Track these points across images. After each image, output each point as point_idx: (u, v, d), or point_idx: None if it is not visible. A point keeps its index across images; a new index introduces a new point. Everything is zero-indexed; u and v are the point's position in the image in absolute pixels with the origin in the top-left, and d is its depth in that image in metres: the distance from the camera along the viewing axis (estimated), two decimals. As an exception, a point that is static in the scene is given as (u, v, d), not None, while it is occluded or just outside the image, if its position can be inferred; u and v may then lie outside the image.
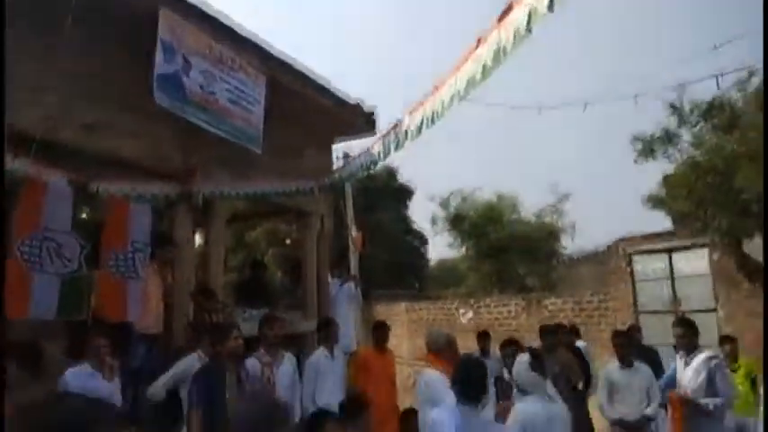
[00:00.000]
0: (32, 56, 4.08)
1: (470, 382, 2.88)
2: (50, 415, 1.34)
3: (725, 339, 6.08)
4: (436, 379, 3.78)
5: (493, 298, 14.34)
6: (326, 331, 5.41)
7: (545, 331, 6.07)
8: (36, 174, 3.94)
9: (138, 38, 4.36)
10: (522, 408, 3.24)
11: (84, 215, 4.36)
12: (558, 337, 6.00)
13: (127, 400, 4.67)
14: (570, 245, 17.18)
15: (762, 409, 5.08)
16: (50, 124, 4.09)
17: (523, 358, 3.40)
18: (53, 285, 4.04)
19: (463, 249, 17.81)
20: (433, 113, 3.53)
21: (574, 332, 7.49)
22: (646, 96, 4.62)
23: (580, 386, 5.53)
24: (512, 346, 5.36)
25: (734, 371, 5.49)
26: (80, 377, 3.56)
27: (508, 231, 16.30)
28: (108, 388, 3.67)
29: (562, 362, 5.22)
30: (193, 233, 6.69)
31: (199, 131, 5.03)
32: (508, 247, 16.23)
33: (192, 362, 4.19)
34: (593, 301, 12.20)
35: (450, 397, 3.58)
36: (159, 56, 4.31)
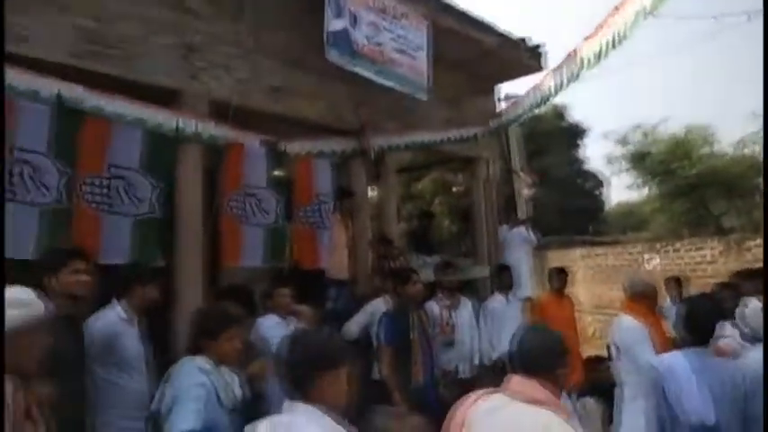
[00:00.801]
0: (224, 29, 4.53)
1: (698, 322, 2.66)
2: (324, 339, 1.82)
3: None
4: (634, 326, 3.56)
5: (683, 242, 12.95)
6: (501, 277, 5.41)
7: (746, 276, 5.37)
8: (234, 137, 4.43)
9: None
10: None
11: (275, 173, 4.81)
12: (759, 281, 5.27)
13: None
14: (777, 179, 14.71)
15: None
16: (242, 90, 4.54)
17: (754, 303, 3.02)
18: (258, 236, 4.58)
19: (646, 190, 16.26)
20: (614, 36, 3.20)
21: None
22: None
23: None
24: (728, 290, 4.79)
25: None
26: (270, 326, 3.78)
27: (700, 167, 14.45)
28: None
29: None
30: (367, 186, 7.06)
31: (368, 87, 5.21)
32: (700, 185, 14.42)
33: (378, 305, 4.50)
34: (811, 242, 10.39)
35: (647, 346, 3.36)
36: (328, 13, 4.51)
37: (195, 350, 2.52)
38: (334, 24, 4.62)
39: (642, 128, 16.00)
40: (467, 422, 1.90)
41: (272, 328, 3.75)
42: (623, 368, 3.65)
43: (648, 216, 17.29)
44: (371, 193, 7.75)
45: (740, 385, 2.56)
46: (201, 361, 2.47)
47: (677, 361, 2.68)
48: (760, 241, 11.30)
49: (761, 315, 2.89)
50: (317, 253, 4.93)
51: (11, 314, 1.74)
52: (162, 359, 3.30)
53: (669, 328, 5.66)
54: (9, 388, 1.68)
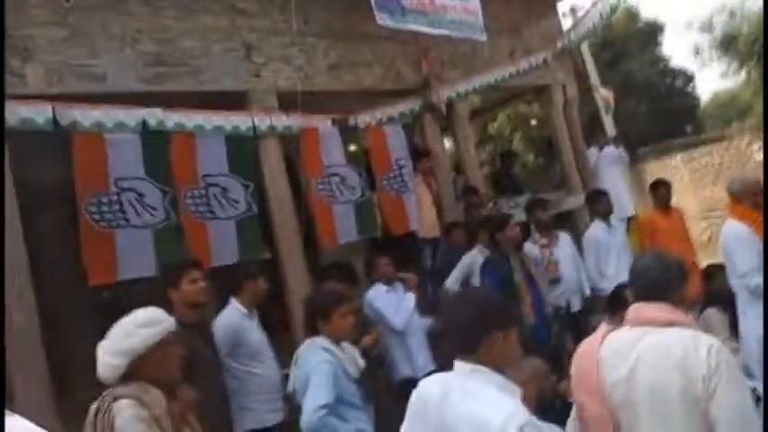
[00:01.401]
0: (275, 20, 4.62)
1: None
2: (495, 298, 1.80)
3: None
4: (733, 232, 3.41)
5: (796, 122, 11.69)
6: (597, 203, 5.20)
7: None
8: (306, 123, 4.56)
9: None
10: None
11: (352, 147, 4.91)
12: None
13: (428, 295, 5.34)
14: None
15: None
16: (304, 76, 4.64)
17: None
18: (349, 212, 4.74)
19: (742, 74, 14.75)
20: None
21: None
22: None
23: None
24: None
25: None
26: (380, 296, 3.96)
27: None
28: (410, 299, 4.00)
29: None
30: (443, 139, 7.00)
31: (423, 41, 5.11)
32: (805, 56, 12.85)
33: (475, 256, 4.53)
34: None
35: (746, 251, 3.18)
36: (369, -24, 4.44)
37: (314, 332, 2.72)
38: (378, -13, 4.54)
39: (728, 8, 14.43)
40: (602, 361, 1.86)
41: (381, 298, 3.93)
42: (730, 275, 3.53)
43: (749, 101, 15.71)
44: (448, 145, 7.69)
45: None
46: (322, 341, 2.67)
47: None
48: None
49: None
50: (405, 217, 5.03)
51: (148, 333, 1.94)
52: (282, 341, 3.59)
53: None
54: (162, 401, 1.90)
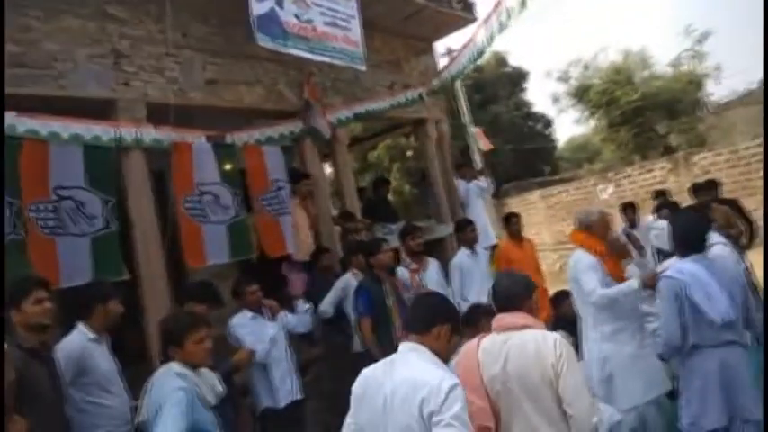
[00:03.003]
0: (150, 29, 4.41)
1: (693, 233, 2.96)
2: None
3: None
4: (578, 258, 3.72)
5: (634, 167, 13.42)
6: (464, 232, 5.52)
7: (696, 189, 5.93)
8: (179, 137, 4.37)
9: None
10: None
11: (228, 166, 4.77)
12: (714, 192, 5.72)
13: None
14: (717, 90, 15.34)
15: None
16: (178, 89, 4.46)
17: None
18: (220, 232, 4.56)
19: (592, 122, 16.70)
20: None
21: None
22: None
23: (743, 241, 5.14)
24: (666, 209, 5.04)
25: None
26: (243, 323, 3.84)
27: (641, 91, 14.87)
28: (273, 327, 3.93)
29: (718, 217, 4.86)
30: (322, 163, 7.04)
31: (307, 64, 5.15)
32: (644, 108, 14.88)
33: (348, 279, 4.57)
34: (749, 147, 10.90)
35: (592, 275, 3.54)
36: (251, -4, 4.41)
37: (168, 357, 2.56)
38: (259, 7, 4.53)
39: (581, 61, 16.33)
40: (481, 362, 2.29)
41: (244, 326, 3.82)
42: (576, 300, 3.85)
43: (598, 147, 17.78)
44: (329, 170, 7.76)
45: (741, 280, 2.99)
46: (177, 366, 2.51)
47: (695, 268, 2.90)
48: (705, 154, 11.81)
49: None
50: (282, 240, 4.95)
51: None
52: (139, 370, 3.32)
53: (654, 241, 6.02)
54: None
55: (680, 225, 3.14)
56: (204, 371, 2.65)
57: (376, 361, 2.21)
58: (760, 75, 10.26)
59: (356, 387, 2.09)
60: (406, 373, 1.94)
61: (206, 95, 4.76)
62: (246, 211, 4.80)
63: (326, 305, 4.57)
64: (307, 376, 4.52)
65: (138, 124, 4.15)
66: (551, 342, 2.21)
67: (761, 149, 10.59)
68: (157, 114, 4.29)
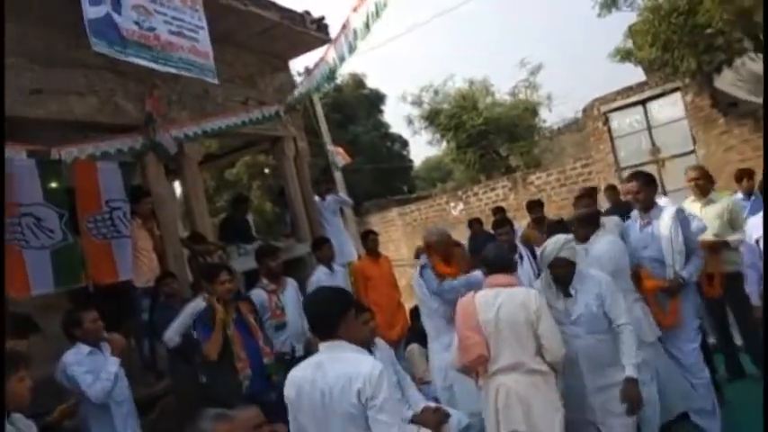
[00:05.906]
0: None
1: (496, 256, 3.25)
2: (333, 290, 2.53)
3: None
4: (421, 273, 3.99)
5: (480, 185, 14.49)
6: (321, 249, 5.50)
7: (530, 206, 6.62)
8: (-7, 152, 3.80)
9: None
10: None
11: (53, 184, 4.24)
12: (540, 209, 6.58)
13: (144, 351, 4.85)
14: (549, 116, 17.24)
15: None
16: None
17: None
18: (44, 259, 4.03)
19: (444, 144, 17.78)
20: (376, 6, 3.37)
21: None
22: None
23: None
24: (505, 227, 5.43)
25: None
26: (78, 360, 3.36)
27: (485, 116, 16.19)
28: (113, 363, 3.45)
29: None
30: (171, 181, 6.60)
31: (149, 75, 4.81)
32: (487, 132, 16.20)
33: (197, 305, 4.27)
34: (576, 167, 12.36)
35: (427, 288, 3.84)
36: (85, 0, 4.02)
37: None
38: (93, 12, 4.12)
39: (432, 87, 17.36)
40: (477, 308, 2.95)
41: (80, 363, 3.36)
42: (422, 313, 4.11)
43: (450, 167, 18.95)
44: (178, 188, 7.29)
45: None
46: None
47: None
48: (539, 174, 13.12)
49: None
50: (114, 266, 4.48)
51: None
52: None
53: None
54: None
55: (486, 253, 3.33)
56: (18, 416, 2.29)
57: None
58: (584, 103, 11.64)
59: (288, 390, 2.30)
60: (339, 370, 2.18)
61: (27, 106, 4.25)
62: (75, 235, 4.31)
63: (172, 332, 4.22)
64: (152, 413, 4.15)
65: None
66: (533, 296, 2.93)
67: (584, 170, 12.07)
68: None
